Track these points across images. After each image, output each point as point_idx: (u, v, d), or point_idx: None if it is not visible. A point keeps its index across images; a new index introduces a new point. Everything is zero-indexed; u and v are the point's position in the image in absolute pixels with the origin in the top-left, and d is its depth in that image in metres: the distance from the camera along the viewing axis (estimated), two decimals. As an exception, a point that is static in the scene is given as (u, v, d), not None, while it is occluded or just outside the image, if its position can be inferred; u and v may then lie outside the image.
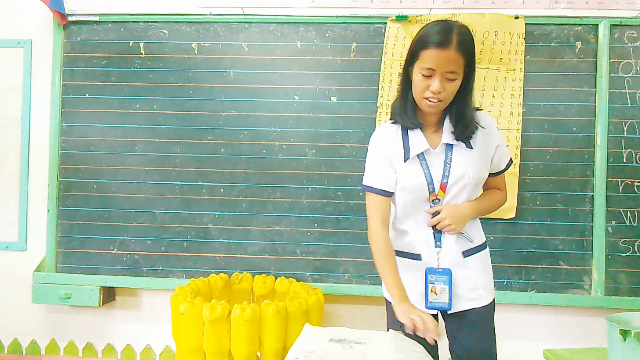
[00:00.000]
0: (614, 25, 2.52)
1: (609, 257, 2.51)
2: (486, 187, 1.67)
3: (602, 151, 2.51)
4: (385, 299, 1.67)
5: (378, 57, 2.60)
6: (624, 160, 2.52)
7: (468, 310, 1.58)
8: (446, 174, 1.53)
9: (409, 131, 1.56)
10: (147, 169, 2.69)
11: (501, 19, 2.54)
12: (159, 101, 2.68)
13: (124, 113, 2.70)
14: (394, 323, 1.47)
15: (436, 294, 1.53)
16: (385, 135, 1.60)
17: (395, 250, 1.61)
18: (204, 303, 2.14)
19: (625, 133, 2.53)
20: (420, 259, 1.57)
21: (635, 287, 2.50)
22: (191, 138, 2.67)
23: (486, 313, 1.61)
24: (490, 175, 1.63)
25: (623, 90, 2.53)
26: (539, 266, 2.54)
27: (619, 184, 2.52)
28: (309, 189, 2.63)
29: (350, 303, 2.68)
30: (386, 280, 1.52)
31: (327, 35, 2.63)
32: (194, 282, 2.44)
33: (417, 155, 1.54)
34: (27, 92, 2.79)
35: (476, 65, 1.53)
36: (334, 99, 2.62)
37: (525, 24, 2.53)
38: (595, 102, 2.53)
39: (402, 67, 1.57)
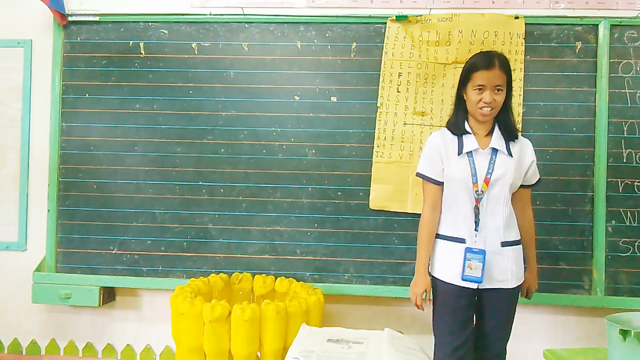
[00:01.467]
0: (614, 25, 2.52)
1: (609, 257, 2.51)
2: (517, 197, 1.95)
3: (602, 151, 2.51)
4: (431, 276, 1.96)
5: (378, 57, 2.60)
6: (624, 160, 2.52)
7: (497, 289, 1.87)
8: (490, 171, 1.86)
9: (463, 136, 1.90)
10: (147, 169, 2.69)
11: (501, 19, 2.54)
12: (159, 101, 2.68)
13: (124, 113, 2.70)
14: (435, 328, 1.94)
15: (471, 269, 1.83)
16: (443, 135, 1.93)
17: (445, 235, 1.92)
18: (204, 303, 2.14)
19: (625, 133, 2.52)
20: (464, 242, 1.86)
21: (635, 287, 2.50)
22: (191, 138, 2.67)
23: (511, 295, 1.91)
24: (522, 186, 1.95)
25: (623, 90, 2.53)
26: (539, 266, 2.51)
27: (619, 184, 2.52)
28: (309, 189, 2.63)
29: (350, 303, 2.68)
30: (420, 252, 1.92)
31: (327, 35, 2.63)
32: (194, 282, 2.44)
33: (467, 153, 1.88)
34: (27, 92, 2.80)
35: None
36: (334, 99, 2.62)
37: (525, 24, 2.54)
38: (595, 102, 2.53)
39: (455, 91, 1.98)
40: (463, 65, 1.92)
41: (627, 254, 2.51)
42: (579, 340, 2.61)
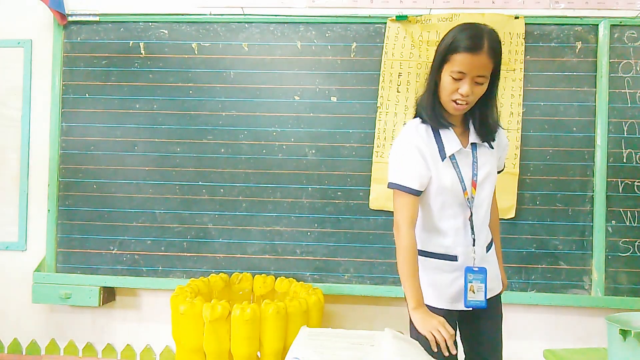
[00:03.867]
0: (614, 25, 2.52)
1: (609, 257, 2.51)
2: None
3: (602, 151, 2.51)
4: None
5: (378, 57, 2.60)
6: (624, 160, 2.52)
7: (488, 299, 1.63)
8: (475, 172, 1.57)
9: (440, 131, 1.56)
10: (147, 169, 2.69)
11: (501, 19, 2.54)
12: (159, 101, 2.68)
13: (124, 113, 2.70)
14: (415, 332, 1.51)
15: (474, 293, 1.57)
16: (419, 133, 1.56)
17: (429, 252, 1.62)
18: (204, 303, 2.14)
19: (625, 133, 2.52)
20: (457, 260, 1.59)
21: (635, 287, 2.50)
22: (191, 138, 2.67)
23: (498, 300, 1.72)
24: None
25: (623, 90, 2.53)
26: (539, 266, 2.54)
27: (619, 184, 2.52)
28: (309, 189, 2.63)
29: (350, 303, 2.68)
30: (407, 284, 1.51)
31: (327, 35, 2.63)
32: (194, 282, 2.44)
33: (450, 157, 1.56)
34: (27, 92, 2.80)
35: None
36: (334, 99, 2.62)
37: (525, 24, 2.53)
38: (595, 102, 2.53)
39: (429, 67, 1.56)
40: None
41: (627, 254, 2.51)
42: (579, 340, 2.60)
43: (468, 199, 1.56)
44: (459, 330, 1.73)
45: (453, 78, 1.46)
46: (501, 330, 1.73)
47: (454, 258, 1.60)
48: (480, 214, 1.60)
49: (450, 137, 1.56)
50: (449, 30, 1.51)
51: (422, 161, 1.54)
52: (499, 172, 1.71)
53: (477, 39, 1.43)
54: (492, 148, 1.60)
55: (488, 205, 1.63)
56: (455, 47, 1.45)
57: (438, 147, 1.55)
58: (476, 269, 1.57)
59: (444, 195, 1.57)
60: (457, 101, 1.49)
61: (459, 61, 1.44)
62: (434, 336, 1.40)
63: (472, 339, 1.73)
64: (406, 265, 1.51)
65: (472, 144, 1.58)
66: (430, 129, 1.57)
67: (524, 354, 2.58)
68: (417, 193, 1.54)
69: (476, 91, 1.48)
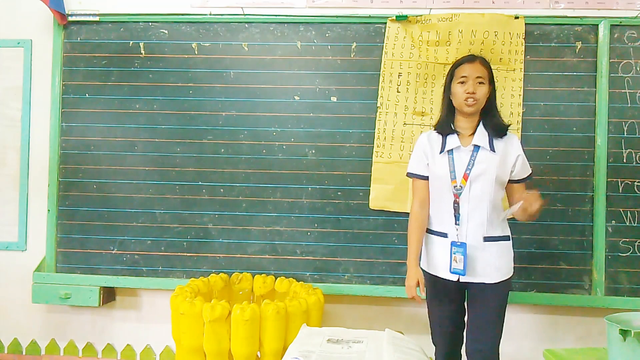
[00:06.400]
0: (614, 25, 2.52)
1: (609, 257, 2.51)
2: (510, 192, 2.01)
3: (602, 151, 2.51)
4: (422, 270, 2.04)
5: (378, 57, 2.60)
6: (624, 160, 2.52)
7: (481, 284, 1.93)
8: (469, 167, 1.93)
9: (447, 137, 1.99)
10: (147, 169, 2.69)
11: (501, 19, 2.54)
12: (159, 101, 2.68)
13: (124, 113, 2.70)
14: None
15: (456, 262, 1.92)
16: (429, 135, 2.06)
17: (430, 230, 2.03)
18: (204, 303, 2.14)
19: (625, 133, 2.52)
20: (447, 237, 1.96)
21: (635, 287, 2.50)
22: (191, 138, 2.67)
23: (496, 290, 1.94)
24: (512, 182, 1.98)
25: (623, 90, 2.53)
26: (539, 266, 2.54)
27: (619, 184, 2.52)
28: (309, 189, 2.63)
29: (350, 303, 2.68)
30: (410, 246, 2.00)
31: (327, 35, 2.63)
32: (194, 282, 2.44)
33: (447, 151, 1.97)
34: (27, 92, 2.80)
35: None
36: (334, 99, 2.62)
37: (525, 24, 2.54)
38: (595, 102, 2.53)
39: (442, 93, 2.06)
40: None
41: (627, 254, 2.51)
42: (579, 340, 2.61)
43: (455, 186, 1.94)
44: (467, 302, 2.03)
45: (460, 84, 1.95)
46: (493, 317, 1.95)
47: (444, 235, 1.98)
48: (472, 204, 1.92)
49: (452, 139, 1.99)
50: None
51: (423, 154, 2.03)
52: (520, 180, 1.99)
53: (471, 55, 2.00)
54: (494, 152, 1.93)
55: (482, 198, 1.92)
56: (458, 64, 1.99)
57: (441, 146, 2.00)
58: (459, 243, 1.93)
59: (437, 181, 1.99)
60: (467, 99, 1.92)
61: (461, 70, 1.96)
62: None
63: (469, 313, 2.01)
64: (412, 234, 2.01)
65: (474, 145, 1.94)
66: (440, 136, 2.02)
67: (524, 354, 2.58)
68: (421, 177, 2.04)
69: (479, 90, 1.93)
